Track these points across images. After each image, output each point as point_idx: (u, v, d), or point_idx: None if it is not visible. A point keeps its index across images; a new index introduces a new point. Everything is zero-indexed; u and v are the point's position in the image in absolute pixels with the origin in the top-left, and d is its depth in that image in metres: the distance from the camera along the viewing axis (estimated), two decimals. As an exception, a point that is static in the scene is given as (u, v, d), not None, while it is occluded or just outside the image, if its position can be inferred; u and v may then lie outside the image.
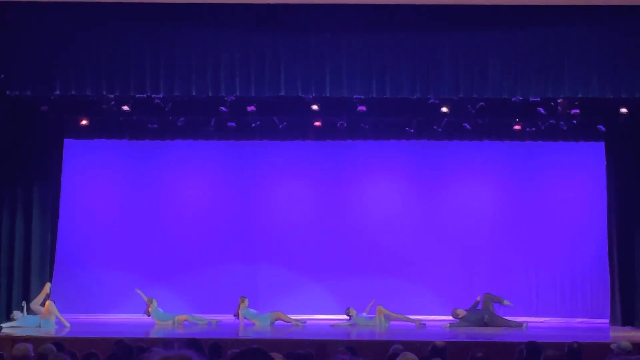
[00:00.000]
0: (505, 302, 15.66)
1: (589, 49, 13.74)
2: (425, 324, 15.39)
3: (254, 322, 15.44)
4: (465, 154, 17.07)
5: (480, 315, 15.43)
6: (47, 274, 15.28)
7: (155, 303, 15.60)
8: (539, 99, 14.39)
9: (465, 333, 14.32)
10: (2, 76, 13.87)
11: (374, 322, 15.40)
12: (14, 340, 11.91)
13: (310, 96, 14.20)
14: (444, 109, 14.88)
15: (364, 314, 15.64)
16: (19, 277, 15.03)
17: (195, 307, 16.32)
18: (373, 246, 16.97)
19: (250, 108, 14.97)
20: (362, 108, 14.82)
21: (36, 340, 10.46)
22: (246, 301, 15.58)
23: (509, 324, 15.28)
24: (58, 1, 13.77)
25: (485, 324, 15.27)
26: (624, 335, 13.60)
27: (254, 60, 13.79)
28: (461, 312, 15.45)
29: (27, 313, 14.80)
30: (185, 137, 16.35)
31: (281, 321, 15.56)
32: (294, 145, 16.85)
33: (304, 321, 15.51)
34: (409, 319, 15.49)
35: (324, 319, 16.47)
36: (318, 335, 13.29)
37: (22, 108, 14.81)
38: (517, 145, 16.64)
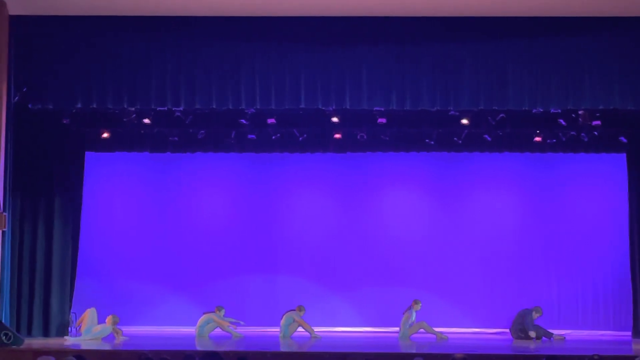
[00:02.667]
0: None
1: (610, 60, 13.71)
2: (447, 337, 15.36)
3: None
4: (485, 166, 17.03)
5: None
6: (69, 286, 15.32)
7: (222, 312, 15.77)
8: (559, 111, 14.34)
9: (485, 345, 14.26)
10: (25, 90, 13.98)
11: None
12: (35, 353, 11.95)
13: (331, 108, 14.21)
14: (464, 121, 14.86)
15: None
16: (40, 289, 15.07)
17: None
18: (393, 258, 16.93)
19: (271, 120, 15.01)
20: (382, 120, 14.82)
21: (58, 353, 10.49)
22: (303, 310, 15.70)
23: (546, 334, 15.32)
24: (79, 15, 13.88)
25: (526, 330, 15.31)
26: (647, 348, 13.51)
27: (274, 72, 13.83)
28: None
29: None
30: (206, 149, 16.39)
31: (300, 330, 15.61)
32: (314, 158, 16.86)
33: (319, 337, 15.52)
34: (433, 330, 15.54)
35: (343, 331, 16.47)
36: (338, 348, 13.26)
37: (44, 121, 14.89)
38: (538, 157, 16.59)
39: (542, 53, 13.75)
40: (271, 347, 14.00)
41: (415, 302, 15.61)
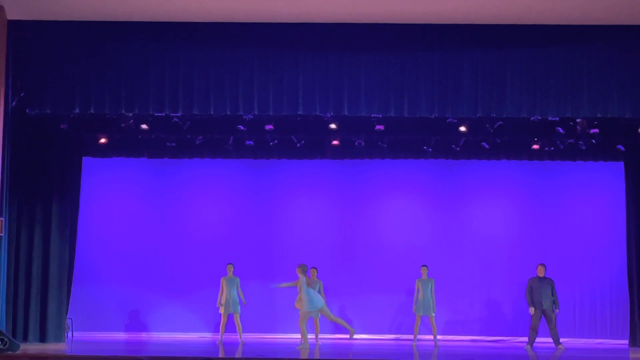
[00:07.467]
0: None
1: (608, 69, 13.73)
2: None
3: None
4: (483, 173, 17.05)
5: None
6: (65, 291, 15.30)
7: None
8: (557, 119, 14.35)
9: (482, 354, 14.23)
10: (22, 95, 13.98)
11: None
12: (31, 358, 11.93)
13: (329, 115, 14.22)
14: (462, 128, 14.87)
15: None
16: (36, 294, 15.06)
17: (214, 325, 16.32)
18: (390, 265, 16.93)
19: (269, 126, 15.01)
20: (380, 127, 14.82)
21: (55, 359, 10.46)
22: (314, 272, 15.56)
23: None
24: (77, 20, 13.90)
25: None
26: (644, 357, 13.50)
27: (273, 79, 13.85)
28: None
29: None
30: (204, 155, 16.40)
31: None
32: (312, 164, 16.87)
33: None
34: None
35: (339, 338, 16.44)
36: (336, 355, 13.21)
37: (42, 126, 14.89)
38: (536, 164, 16.61)
39: (540, 61, 13.77)
40: (268, 354, 13.97)
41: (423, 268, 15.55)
